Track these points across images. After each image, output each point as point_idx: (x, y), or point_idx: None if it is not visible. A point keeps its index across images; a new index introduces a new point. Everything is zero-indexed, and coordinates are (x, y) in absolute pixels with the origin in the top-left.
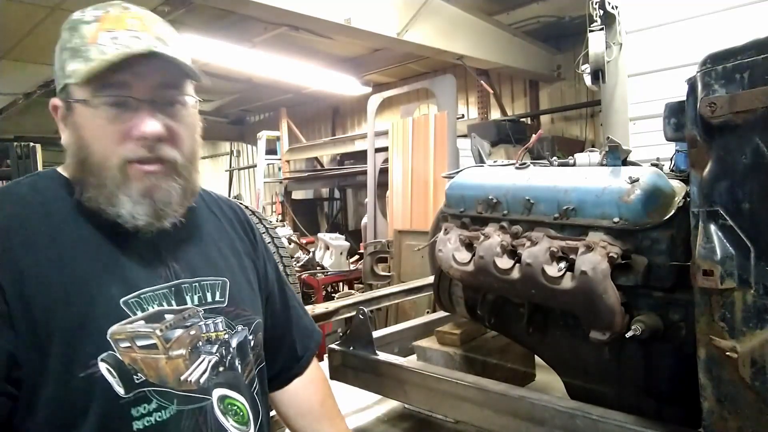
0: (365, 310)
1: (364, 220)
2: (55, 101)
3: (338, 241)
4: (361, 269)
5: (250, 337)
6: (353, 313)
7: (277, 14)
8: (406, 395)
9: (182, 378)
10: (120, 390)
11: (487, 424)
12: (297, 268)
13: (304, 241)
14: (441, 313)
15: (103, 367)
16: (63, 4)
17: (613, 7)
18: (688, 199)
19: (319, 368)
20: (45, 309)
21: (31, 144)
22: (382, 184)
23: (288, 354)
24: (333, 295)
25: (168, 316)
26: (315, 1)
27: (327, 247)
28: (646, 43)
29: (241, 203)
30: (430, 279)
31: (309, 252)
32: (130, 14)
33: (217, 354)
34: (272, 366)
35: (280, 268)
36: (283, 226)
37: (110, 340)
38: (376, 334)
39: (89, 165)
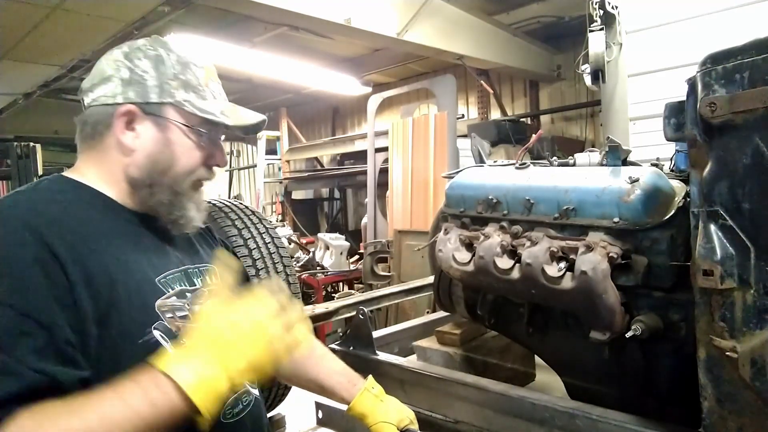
0: (365, 310)
1: (364, 220)
2: (133, 109)
3: (338, 241)
4: (361, 269)
5: None
6: (353, 313)
7: (277, 14)
8: (406, 395)
9: None
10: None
11: (487, 424)
12: (297, 268)
13: (304, 241)
14: (441, 313)
15: (156, 334)
16: (63, 4)
17: (613, 7)
18: (688, 199)
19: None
20: (105, 285)
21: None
22: (382, 184)
23: None
24: (333, 295)
25: (188, 294)
26: (315, 1)
27: (327, 247)
28: (646, 43)
29: (241, 203)
30: (430, 279)
31: (309, 252)
32: (214, 72)
33: None
34: None
35: (279, 267)
36: (283, 226)
37: (158, 311)
38: (376, 334)
39: (173, 173)
